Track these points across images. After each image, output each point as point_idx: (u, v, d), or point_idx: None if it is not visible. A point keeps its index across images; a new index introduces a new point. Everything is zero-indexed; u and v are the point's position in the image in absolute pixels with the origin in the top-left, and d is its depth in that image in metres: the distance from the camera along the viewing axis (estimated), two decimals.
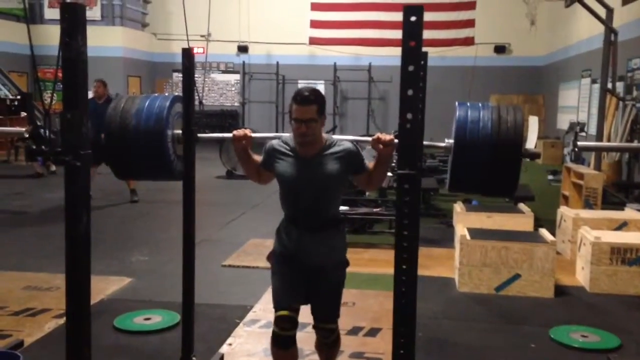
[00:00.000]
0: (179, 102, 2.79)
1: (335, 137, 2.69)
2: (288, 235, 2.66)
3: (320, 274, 2.65)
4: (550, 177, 11.31)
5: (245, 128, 2.71)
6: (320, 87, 19.17)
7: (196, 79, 2.71)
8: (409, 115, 2.02)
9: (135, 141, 2.57)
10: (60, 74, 1.90)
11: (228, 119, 19.30)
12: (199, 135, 2.85)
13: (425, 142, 2.54)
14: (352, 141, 2.67)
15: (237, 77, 19.42)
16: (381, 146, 2.41)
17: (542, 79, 17.57)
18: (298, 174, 2.59)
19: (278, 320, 2.62)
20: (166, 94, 2.60)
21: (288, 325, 2.60)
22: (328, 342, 2.77)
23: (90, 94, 7.87)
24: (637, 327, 3.89)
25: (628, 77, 10.60)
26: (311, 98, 2.48)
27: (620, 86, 10.48)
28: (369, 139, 2.54)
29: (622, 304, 4.37)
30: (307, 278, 2.66)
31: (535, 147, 14.93)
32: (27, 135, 3.13)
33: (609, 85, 8.90)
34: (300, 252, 2.63)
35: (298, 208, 2.64)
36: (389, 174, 7.57)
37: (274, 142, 2.69)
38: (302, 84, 19.11)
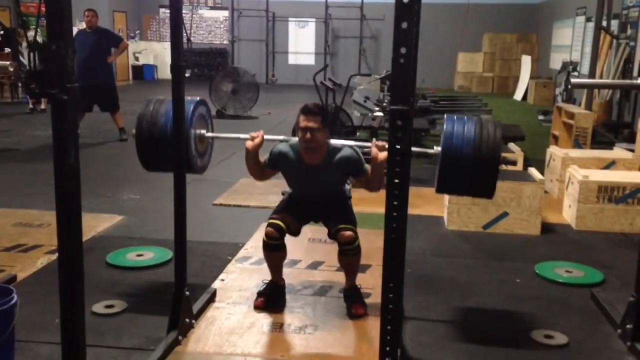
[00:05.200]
0: (202, 105, 3.08)
1: (338, 142, 3.03)
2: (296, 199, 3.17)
3: (330, 207, 3.09)
4: (541, 117, 11.31)
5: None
6: (311, 25, 18.77)
7: (184, 15, 2.69)
8: (403, 50, 1.98)
9: (163, 138, 2.87)
10: (43, 8, 1.83)
11: (217, 57, 18.94)
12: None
13: (415, 149, 2.63)
14: (352, 146, 3.01)
15: (226, 13, 18.94)
16: (376, 150, 2.79)
17: (536, 17, 17.29)
18: (304, 179, 3.05)
19: (269, 224, 3.02)
20: (189, 98, 2.85)
21: (276, 234, 2.99)
22: (352, 248, 3.00)
23: (76, 28, 7.65)
24: (620, 263, 3.98)
25: (623, 15, 10.45)
26: (316, 110, 2.89)
27: (614, 24, 10.34)
28: (368, 144, 2.89)
29: (606, 241, 4.46)
30: (317, 211, 3.12)
31: (528, 87, 14.91)
32: (11, 69, 3.05)
33: (604, 23, 8.78)
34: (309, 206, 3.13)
35: (305, 198, 3.13)
36: (381, 113, 7.55)
37: (281, 145, 3.06)
38: (293, 21, 18.73)
